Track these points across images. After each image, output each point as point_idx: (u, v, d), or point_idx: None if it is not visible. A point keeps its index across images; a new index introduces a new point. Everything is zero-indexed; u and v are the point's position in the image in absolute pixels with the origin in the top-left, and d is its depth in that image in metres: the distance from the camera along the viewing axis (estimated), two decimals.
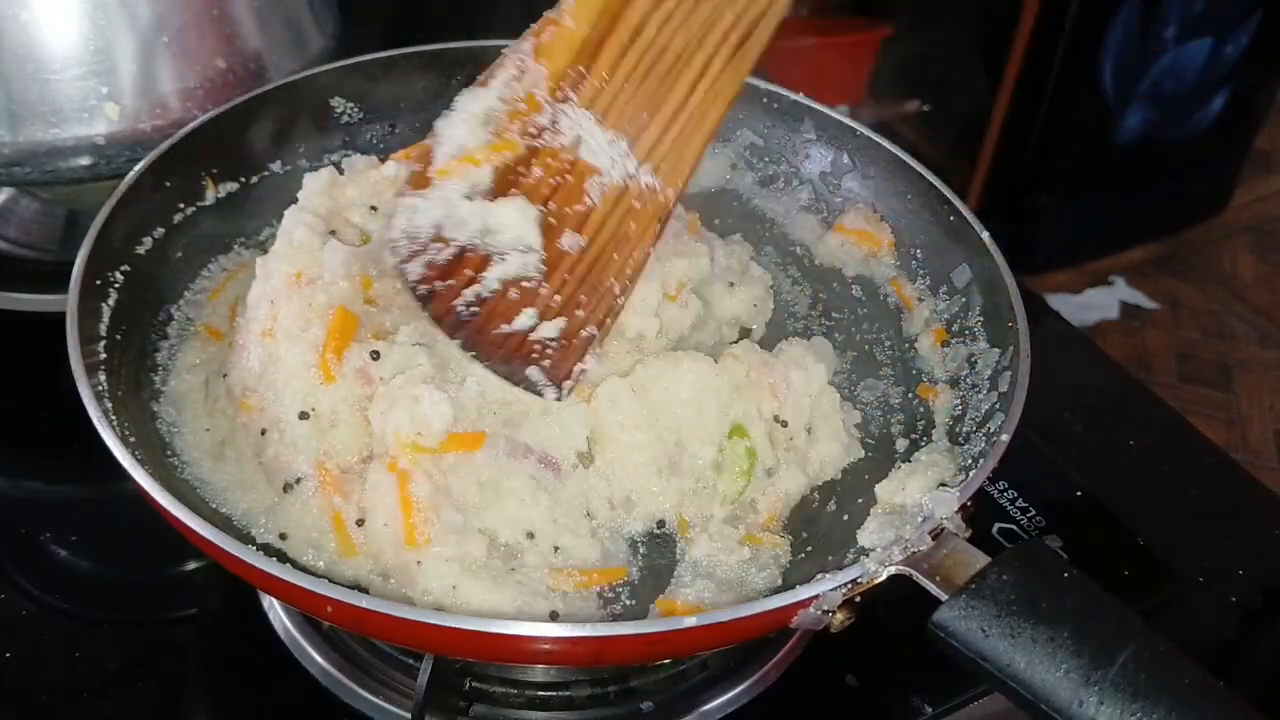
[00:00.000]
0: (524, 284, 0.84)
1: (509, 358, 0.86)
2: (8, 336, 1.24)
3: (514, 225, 0.83)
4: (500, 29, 1.35)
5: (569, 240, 0.81)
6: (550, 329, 0.83)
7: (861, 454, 1.04)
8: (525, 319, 0.84)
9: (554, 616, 0.87)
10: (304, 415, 0.92)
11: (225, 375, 1.00)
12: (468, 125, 0.81)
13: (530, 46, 0.82)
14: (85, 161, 1.17)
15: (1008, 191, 3.33)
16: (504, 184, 0.82)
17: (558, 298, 0.83)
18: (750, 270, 1.14)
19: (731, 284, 1.10)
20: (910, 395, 1.08)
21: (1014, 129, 3.24)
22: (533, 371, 0.87)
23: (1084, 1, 2.97)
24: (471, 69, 1.25)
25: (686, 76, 0.79)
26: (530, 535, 0.90)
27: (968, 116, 3.35)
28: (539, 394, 0.87)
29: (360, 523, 0.89)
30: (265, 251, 1.04)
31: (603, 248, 0.82)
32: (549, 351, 0.86)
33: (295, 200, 1.10)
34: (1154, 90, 3.21)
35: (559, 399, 0.88)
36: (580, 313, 0.83)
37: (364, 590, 0.87)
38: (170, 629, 1.06)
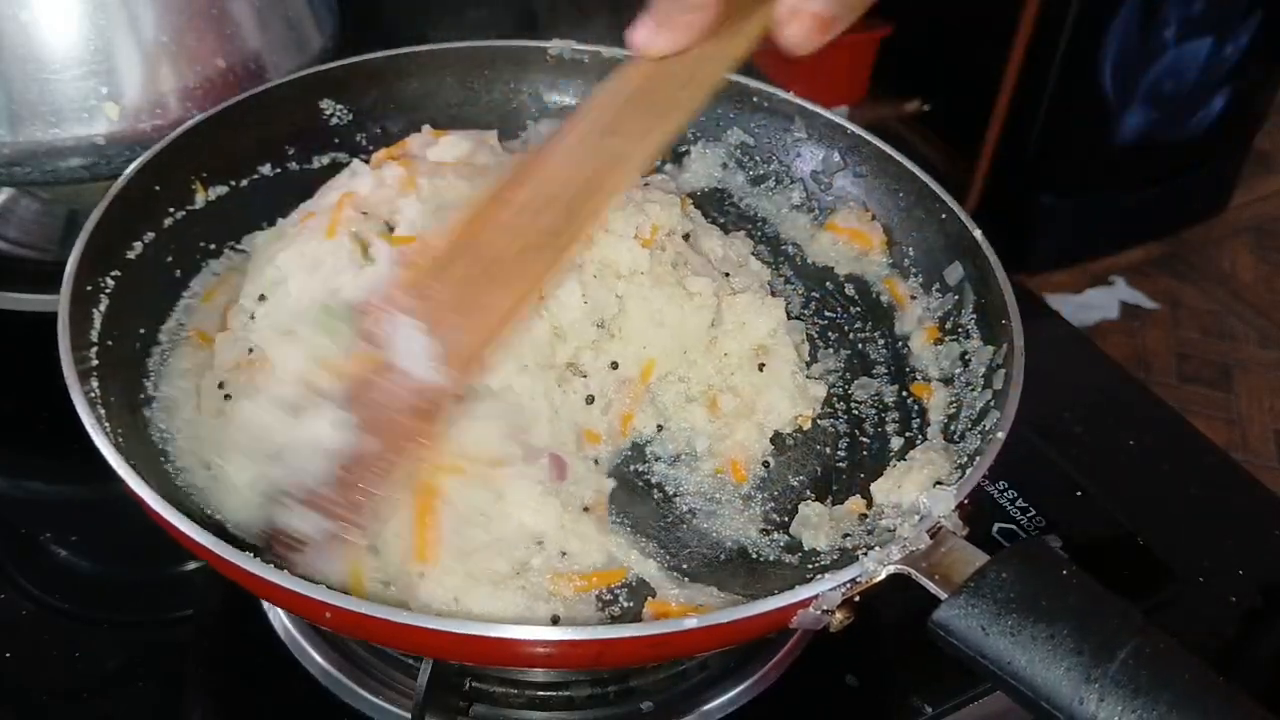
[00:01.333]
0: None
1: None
2: (8, 336, 1.24)
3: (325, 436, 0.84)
4: (501, 30, 1.36)
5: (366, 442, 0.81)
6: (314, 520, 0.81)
7: (810, 411, 1.06)
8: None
9: (555, 620, 0.87)
10: None
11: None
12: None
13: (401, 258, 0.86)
14: (85, 161, 1.17)
15: (1008, 191, 3.34)
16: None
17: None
18: (749, 265, 1.15)
19: (728, 274, 1.10)
20: (904, 393, 1.08)
21: (1014, 129, 3.24)
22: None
23: (1084, 1, 2.97)
24: (461, 69, 1.26)
25: (502, 273, 0.82)
26: (539, 543, 0.90)
27: (968, 116, 3.35)
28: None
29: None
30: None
31: (383, 445, 0.81)
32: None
33: (287, 203, 1.11)
34: (1154, 90, 3.21)
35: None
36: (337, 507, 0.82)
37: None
38: (170, 629, 1.06)
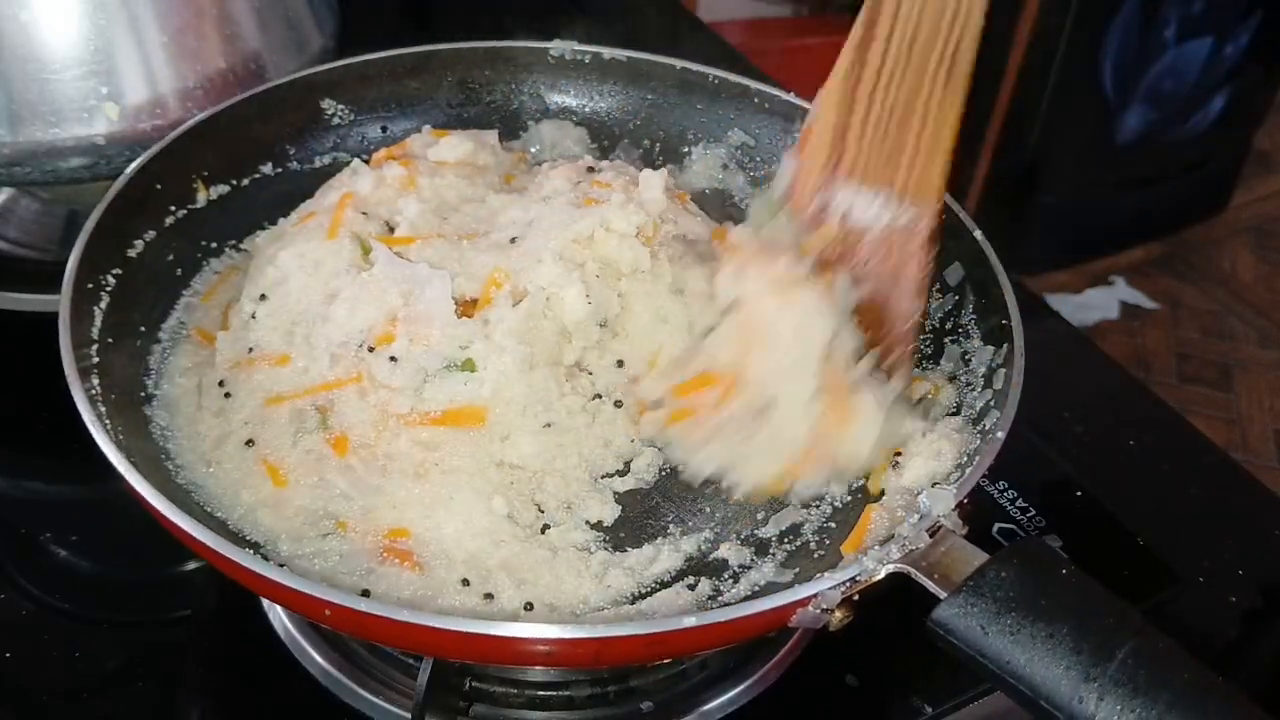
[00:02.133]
0: None
1: None
2: (8, 336, 1.24)
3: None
4: (502, 28, 1.36)
5: (860, 291, 0.92)
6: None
7: None
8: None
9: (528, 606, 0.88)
10: None
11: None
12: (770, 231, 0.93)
13: (796, 153, 0.94)
14: (85, 161, 1.17)
15: (1008, 191, 3.33)
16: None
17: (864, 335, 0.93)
18: None
19: None
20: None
21: (1014, 129, 3.24)
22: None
23: (1084, 1, 2.97)
24: (462, 70, 1.27)
25: (916, 117, 0.90)
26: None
27: (968, 116, 3.35)
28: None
29: None
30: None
31: (882, 282, 0.92)
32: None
33: (288, 203, 1.11)
34: (1154, 90, 3.21)
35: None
36: (887, 341, 0.94)
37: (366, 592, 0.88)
38: (170, 629, 1.06)
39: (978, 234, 1.07)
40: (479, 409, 0.95)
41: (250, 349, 1.00)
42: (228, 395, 0.99)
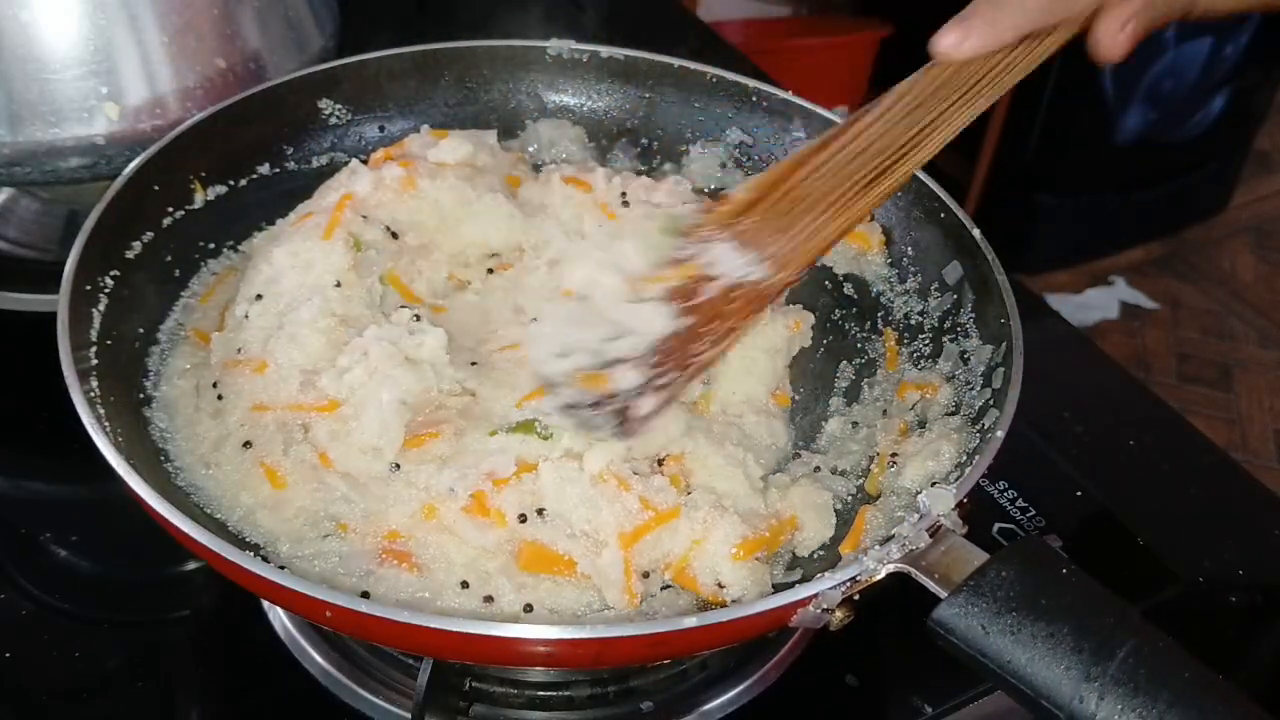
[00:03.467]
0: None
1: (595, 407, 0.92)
2: (8, 336, 1.24)
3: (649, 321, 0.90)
4: (500, 29, 1.36)
5: (681, 322, 0.91)
6: (633, 376, 0.89)
7: None
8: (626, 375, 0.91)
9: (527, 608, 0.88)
10: None
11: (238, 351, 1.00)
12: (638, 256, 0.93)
13: (708, 208, 0.95)
14: (85, 161, 1.17)
15: (1008, 191, 3.33)
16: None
17: (655, 360, 0.91)
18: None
19: None
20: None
21: (1014, 129, 3.24)
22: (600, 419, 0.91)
23: None
24: (459, 69, 1.26)
25: (819, 209, 0.91)
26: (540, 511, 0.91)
27: None
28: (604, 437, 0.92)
29: None
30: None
31: (704, 323, 0.91)
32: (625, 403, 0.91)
33: (286, 203, 1.11)
34: (1154, 90, 3.21)
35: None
36: (664, 368, 0.91)
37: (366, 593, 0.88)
38: (170, 629, 1.06)
39: (976, 232, 1.07)
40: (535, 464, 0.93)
41: (239, 349, 1.00)
42: (220, 397, 0.99)
